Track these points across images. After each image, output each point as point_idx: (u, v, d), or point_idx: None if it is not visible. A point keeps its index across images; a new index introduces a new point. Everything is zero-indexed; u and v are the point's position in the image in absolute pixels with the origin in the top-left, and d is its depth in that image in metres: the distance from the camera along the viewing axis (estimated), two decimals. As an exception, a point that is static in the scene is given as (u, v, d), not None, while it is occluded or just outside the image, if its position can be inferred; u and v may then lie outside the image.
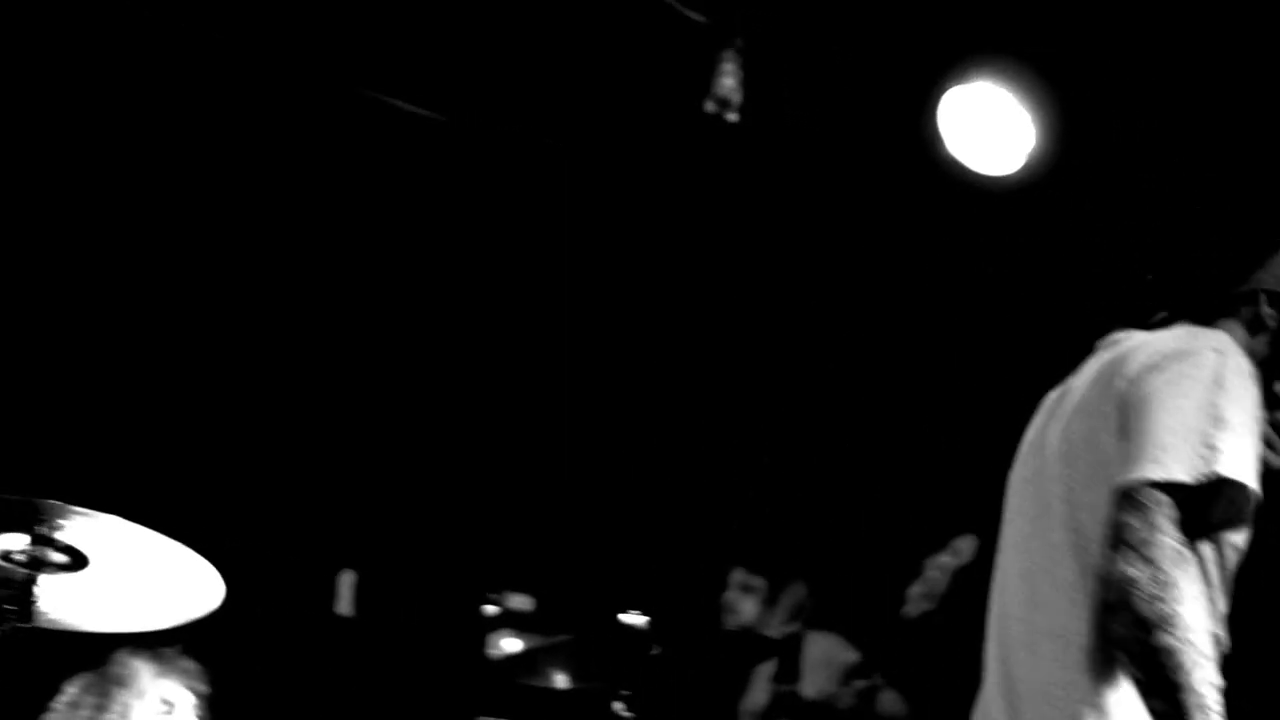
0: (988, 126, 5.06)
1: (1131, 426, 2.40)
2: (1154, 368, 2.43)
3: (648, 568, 5.67)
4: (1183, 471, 2.30)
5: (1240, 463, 2.32)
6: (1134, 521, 2.28)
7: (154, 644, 3.42)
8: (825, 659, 5.00)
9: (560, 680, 4.11)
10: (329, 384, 5.64)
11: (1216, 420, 2.34)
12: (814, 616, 5.22)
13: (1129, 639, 2.24)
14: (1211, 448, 2.31)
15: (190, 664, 3.49)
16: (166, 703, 3.40)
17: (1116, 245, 5.20)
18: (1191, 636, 2.21)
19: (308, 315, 5.49)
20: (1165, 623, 2.21)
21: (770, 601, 5.18)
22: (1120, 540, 2.27)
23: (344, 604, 5.54)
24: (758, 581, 5.19)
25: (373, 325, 5.60)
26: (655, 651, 3.83)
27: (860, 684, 4.69)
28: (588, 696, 4.06)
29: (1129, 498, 2.30)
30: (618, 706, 3.74)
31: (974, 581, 4.65)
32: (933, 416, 5.82)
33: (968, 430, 5.60)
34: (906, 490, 5.81)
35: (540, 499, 5.89)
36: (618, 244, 5.61)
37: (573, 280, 5.66)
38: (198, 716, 3.44)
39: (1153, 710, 2.23)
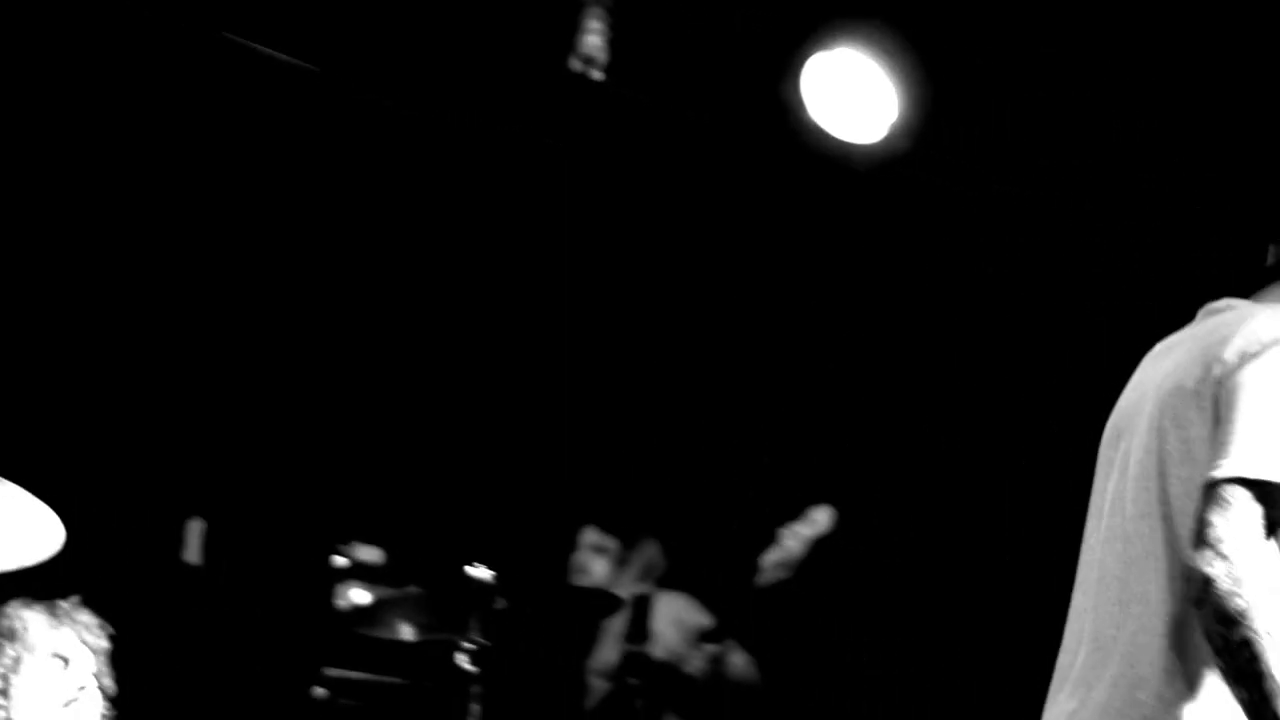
0: (852, 93, 5.10)
1: (1223, 415, 2.41)
2: (1252, 355, 2.43)
3: (498, 523, 5.67)
4: (1270, 471, 2.33)
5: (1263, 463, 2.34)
6: (1215, 519, 2.32)
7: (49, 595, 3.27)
8: (676, 620, 5.03)
9: (406, 632, 4.09)
10: (181, 326, 5.56)
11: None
12: (666, 578, 5.25)
13: (1211, 633, 2.30)
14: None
15: (89, 617, 3.33)
16: (60, 657, 3.23)
17: (990, 220, 5.27)
18: (1269, 628, 2.26)
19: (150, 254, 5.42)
20: (1242, 617, 2.26)
21: (622, 562, 5.20)
22: (1201, 537, 2.32)
23: (191, 552, 5.47)
24: (610, 542, 5.22)
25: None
26: (500, 605, 3.82)
27: (711, 647, 4.73)
28: (433, 649, 4.05)
29: (1213, 493, 2.34)
30: (461, 659, 3.73)
31: (831, 553, 4.72)
32: (793, 385, 5.87)
33: (826, 401, 5.67)
34: (765, 457, 5.86)
35: (391, 450, 5.86)
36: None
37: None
38: (98, 672, 3.29)
39: (1238, 698, 2.30)
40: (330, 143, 5.42)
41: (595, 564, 5.18)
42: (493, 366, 5.99)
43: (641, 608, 5.11)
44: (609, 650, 5.07)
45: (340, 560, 5.25)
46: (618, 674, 5.00)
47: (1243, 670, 2.27)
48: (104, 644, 3.28)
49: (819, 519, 4.70)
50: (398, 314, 5.88)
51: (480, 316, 5.94)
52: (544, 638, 5.17)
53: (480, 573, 3.78)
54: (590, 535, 5.23)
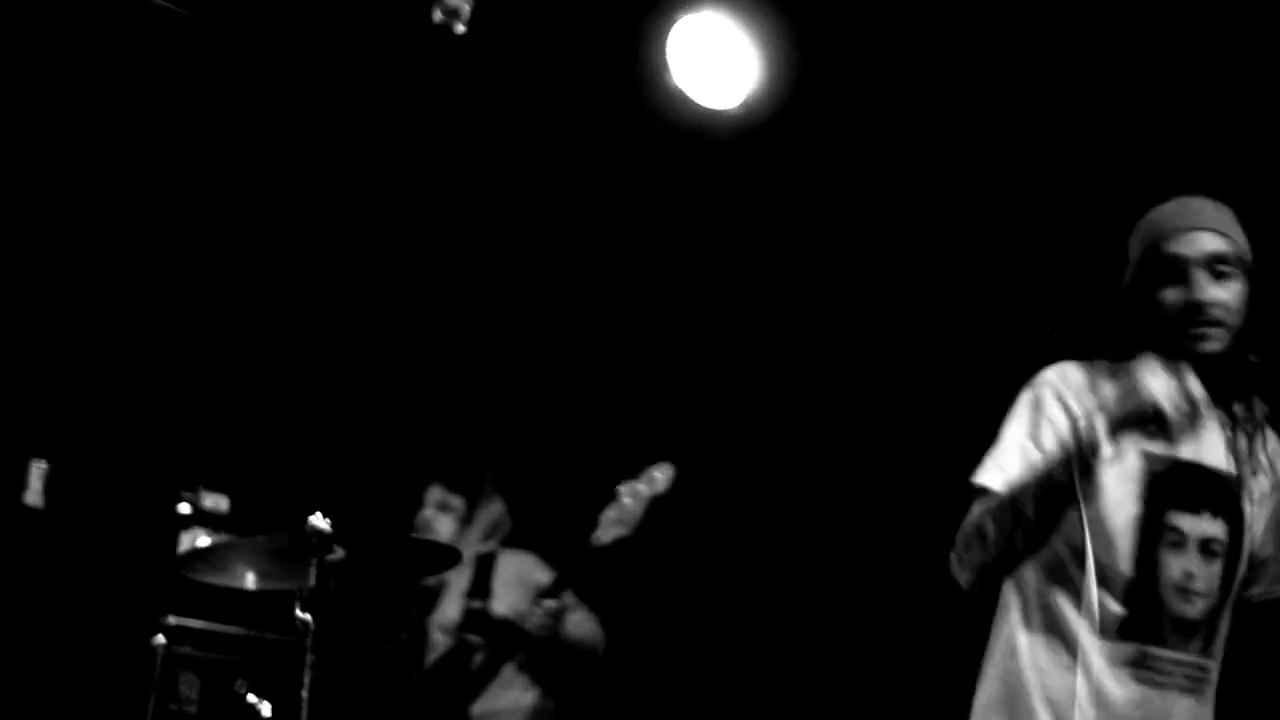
0: (714, 58, 5.13)
1: None
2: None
3: (342, 475, 5.65)
4: (988, 478, 2.86)
5: (987, 472, 2.86)
6: None
7: None
8: (518, 577, 5.05)
9: (248, 580, 4.06)
10: (32, 262, 5.47)
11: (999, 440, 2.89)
12: (510, 536, 5.27)
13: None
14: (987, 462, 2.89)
15: None
16: None
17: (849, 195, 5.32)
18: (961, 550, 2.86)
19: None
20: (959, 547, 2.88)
21: (467, 520, 5.20)
22: None
23: (33, 495, 5.38)
24: (455, 500, 5.21)
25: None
26: (338, 557, 3.81)
27: (550, 604, 4.75)
28: (274, 598, 4.03)
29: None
30: (299, 609, 3.72)
31: (671, 511, 4.76)
32: (628, 342, 5.90)
33: (667, 357, 5.71)
34: (607, 413, 5.89)
35: (240, 397, 5.82)
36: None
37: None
38: None
39: (980, 561, 2.84)
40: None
41: (440, 522, 5.18)
42: (348, 318, 5.97)
43: (485, 565, 5.12)
44: (451, 606, 5.08)
45: (184, 506, 5.21)
46: (458, 629, 5.01)
47: (971, 550, 2.82)
48: None
49: (658, 477, 4.72)
50: (258, 264, 5.84)
51: (334, 263, 5.90)
52: (384, 590, 5.19)
53: (322, 523, 3.76)
54: (436, 493, 5.22)
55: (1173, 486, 2.79)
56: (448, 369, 6.12)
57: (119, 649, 5.21)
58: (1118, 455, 2.71)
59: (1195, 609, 2.77)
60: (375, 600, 5.26)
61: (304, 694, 3.70)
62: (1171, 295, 2.78)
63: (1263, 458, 2.83)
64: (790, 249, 5.65)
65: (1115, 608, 2.77)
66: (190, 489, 5.25)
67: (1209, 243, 2.79)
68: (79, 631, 5.32)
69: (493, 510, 5.31)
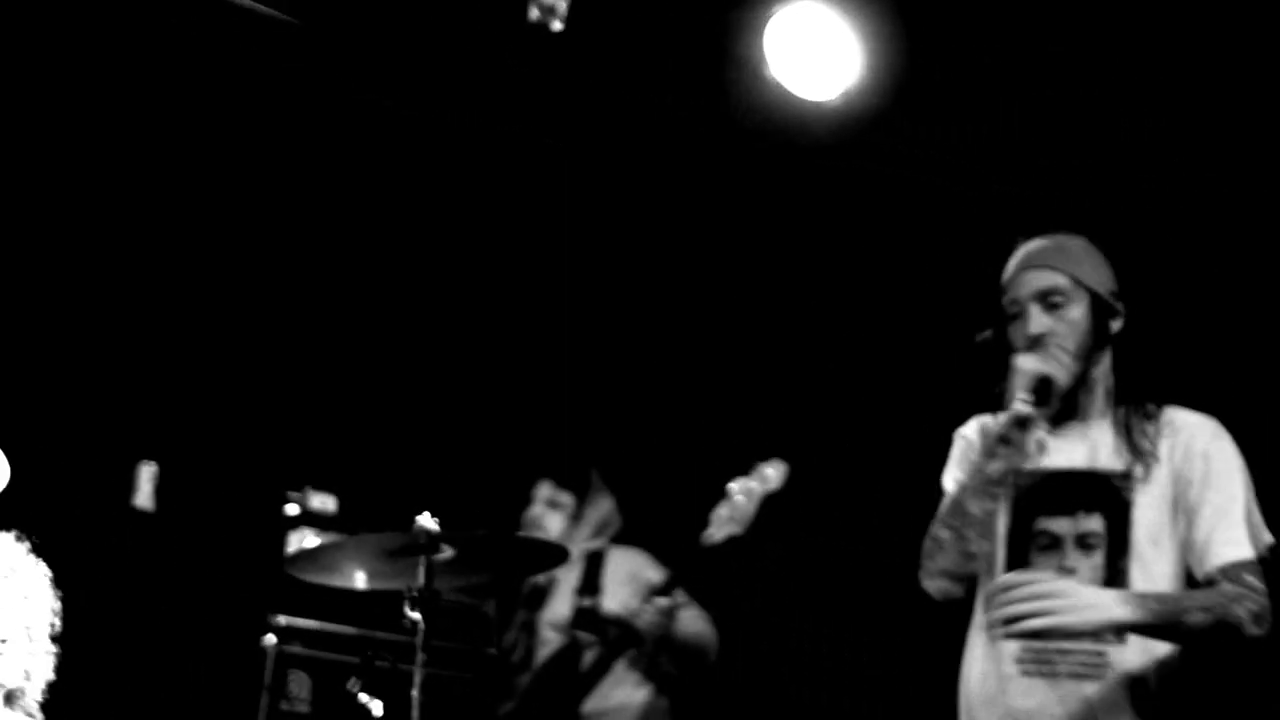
0: (814, 49, 5.08)
1: None
2: None
3: (450, 474, 5.67)
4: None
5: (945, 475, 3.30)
6: None
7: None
8: (628, 575, 5.01)
9: (357, 580, 4.08)
10: (139, 267, 5.53)
11: None
12: (620, 534, 5.25)
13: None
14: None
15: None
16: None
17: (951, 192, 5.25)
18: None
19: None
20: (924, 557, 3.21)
21: (576, 517, 5.18)
22: None
23: (143, 497, 5.44)
24: (564, 497, 5.19)
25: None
26: (447, 556, 3.82)
27: (662, 601, 4.71)
28: (384, 597, 4.04)
29: None
30: (409, 608, 3.74)
31: (785, 509, 4.69)
32: (746, 343, 5.87)
33: (779, 357, 5.67)
34: (720, 409, 5.86)
35: (346, 397, 5.86)
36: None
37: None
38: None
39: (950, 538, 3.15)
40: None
41: (550, 519, 5.16)
42: (452, 318, 5.99)
43: (594, 562, 5.09)
44: (561, 603, 5.07)
45: (292, 507, 5.25)
46: (569, 627, 4.99)
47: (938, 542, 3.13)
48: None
49: (770, 475, 4.65)
50: (362, 270, 5.88)
51: (434, 272, 5.92)
52: (494, 590, 5.20)
53: (430, 522, 3.77)
54: (544, 490, 5.21)
55: (1041, 496, 3.13)
56: (556, 366, 6.11)
57: (230, 650, 5.25)
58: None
59: None
60: (482, 600, 5.27)
61: (415, 693, 3.71)
62: (1018, 333, 3.16)
63: (1152, 446, 3.11)
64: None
65: (1001, 608, 3.02)
66: (298, 490, 5.27)
67: (1037, 280, 3.15)
68: (190, 633, 5.37)
69: (602, 507, 5.29)
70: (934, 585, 3.17)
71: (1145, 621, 2.92)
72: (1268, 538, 3.10)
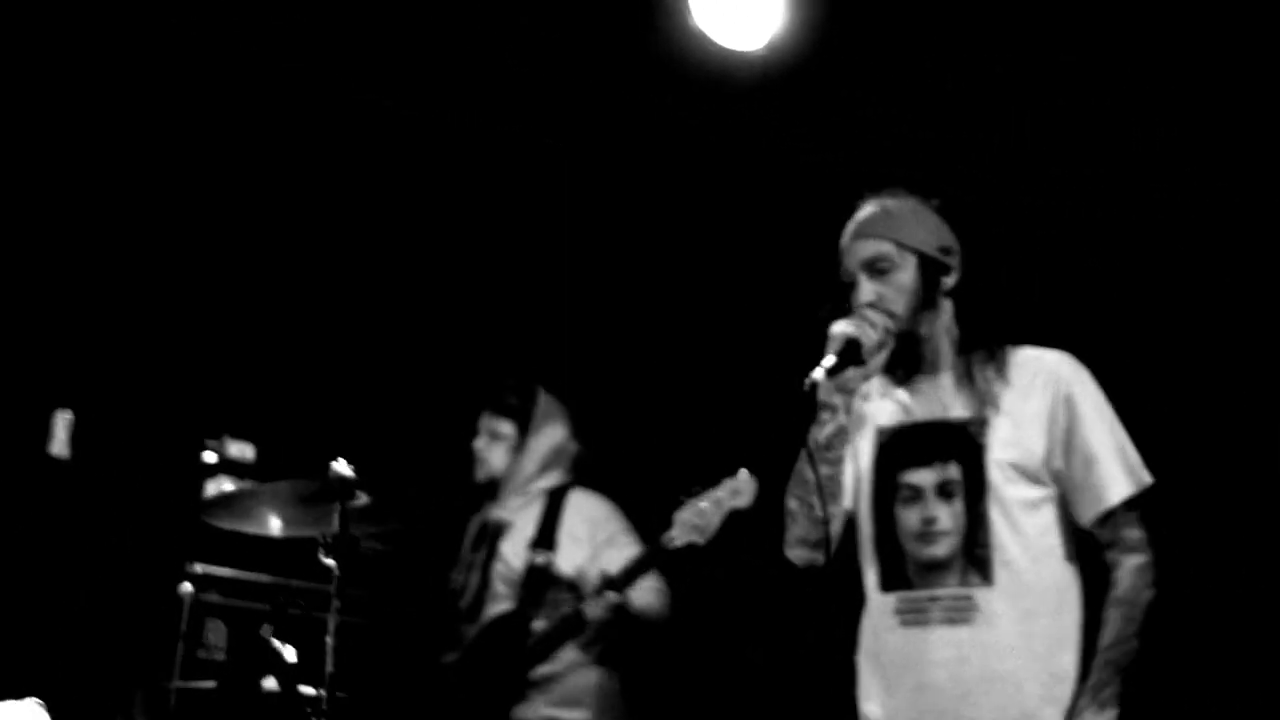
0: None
1: None
2: None
3: (365, 420, 5.64)
4: None
5: None
6: None
7: None
8: (588, 527, 4.75)
9: (274, 527, 4.07)
10: (51, 213, 5.47)
11: None
12: (584, 469, 4.96)
13: None
14: None
15: None
16: None
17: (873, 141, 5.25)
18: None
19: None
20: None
21: (519, 448, 4.88)
22: None
23: (59, 445, 5.39)
24: (506, 427, 4.89)
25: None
26: (361, 503, 3.81)
27: (612, 597, 4.41)
28: (300, 544, 4.04)
29: None
30: (324, 555, 3.73)
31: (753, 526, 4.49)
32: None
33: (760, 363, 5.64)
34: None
35: (265, 345, 5.82)
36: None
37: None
38: None
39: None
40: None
41: (493, 452, 4.85)
42: (369, 263, 5.95)
43: (553, 504, 4.78)
44: (514, 551, 4.76)
45: (209, 455, 5.22)
46: (521, 587, 4.69)
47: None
48: None
49: (741, 489, 4.28)
50: (279, 219, 5.84)
51: (351, 220, 5.88)
52: (409, 537, 5.17)
53: (345, 468, 3.76)
54: (485, 420, 4.90)
55: (900, 450, 3.22)
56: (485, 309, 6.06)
57: (146, 598, 5.23)
58: (862, 433, 3.27)
59: (942, 548, 3.12)
60: (397, 548, 5.22)
61: (329, 639, 3.71)
62: (854, 303, 3.23)
63: (992, 388, 3.19)
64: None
65: (873, 565, 3.23)
66: (215, 438, 5.24)
67: (863, 249, 3.24)
68: (106, 582, 5.34)
69: (551, 434, 4.92)
70: (794, 554, 3.28)
71: (1119, 700, 3.03)
72: (1146, 477, 3.15)
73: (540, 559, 4.66)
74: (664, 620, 4.61)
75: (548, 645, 4.48)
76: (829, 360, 3.09)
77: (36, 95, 5.15)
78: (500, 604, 4.66)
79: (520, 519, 4.77)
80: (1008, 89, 4.87)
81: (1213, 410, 4.59)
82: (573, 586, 4.57)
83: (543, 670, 4.50)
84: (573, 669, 4.53)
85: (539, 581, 4.63)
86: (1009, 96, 4.93)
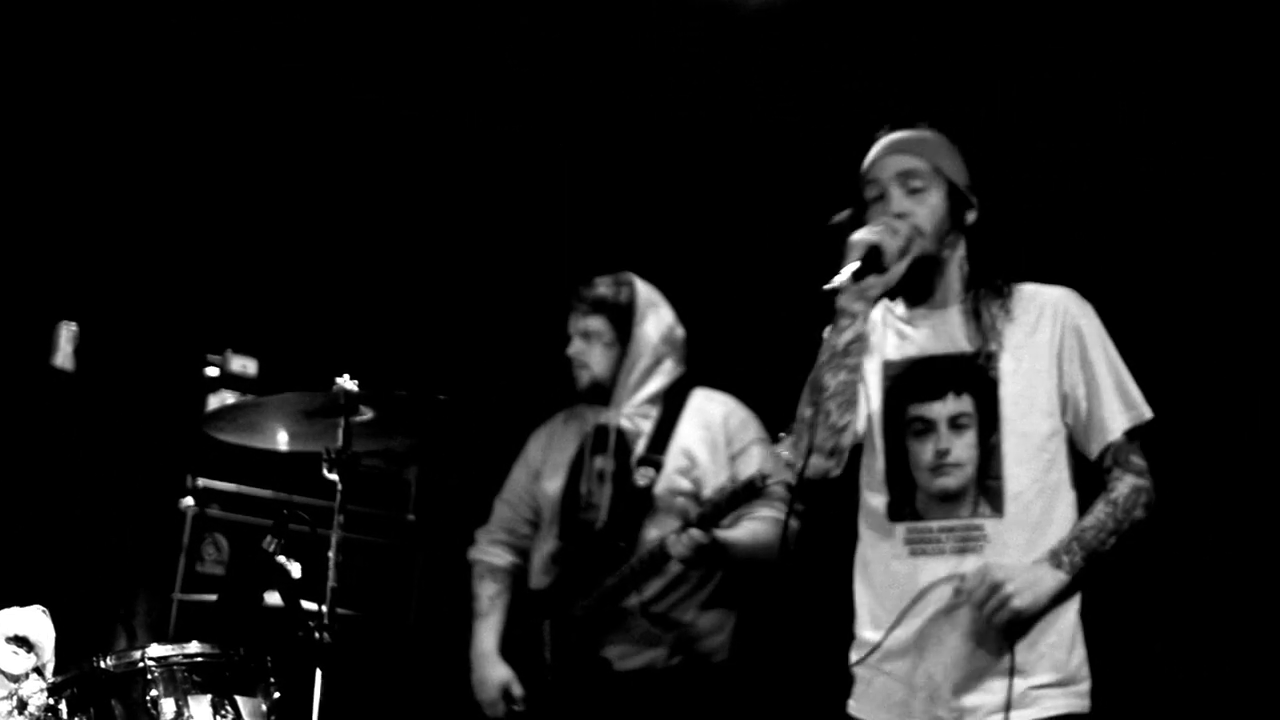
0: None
1: None
2: None
3: (368, 336, 5.62)
4: None
5: None
6: None
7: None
8: (702, 432, 4.44)
9: (279, 440, 4.05)
10: (58, 131, 5.44)
11: None
12: (702, 366, 4.63)
13: None
14: None
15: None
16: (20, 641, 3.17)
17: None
18: None
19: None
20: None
21: (620, 344, 4.45)
22: None
23: (62, 357, 5.39)
24: (597, 323, 4.46)
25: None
26: (365, 418, 3.80)
27: (697, 535, 4.07)
28: (302, 459, 4.02)
29: None
30: (325, 470, 3.72)
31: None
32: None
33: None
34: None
35: (268, 260, 5.81)
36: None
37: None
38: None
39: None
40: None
41: (591, 354, 4.47)
42: (377, 180, 5.93)
43: (671, 407, 4.48)
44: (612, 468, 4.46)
45: (212, 370, 5.22)
46: (610, 511, 4.42)
47: None
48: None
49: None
50: (285, 136, 5.80)
51: (355, 137, 5.84)
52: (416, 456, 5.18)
53: (349, 384, 3.74)
54: (575, 320, 4.51)
55: (910, 383, 3.24)
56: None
57: (148, 511, 5.25)
58: (871, 366, 3.27)
59: (955, 479, 3.16)
60: (402, 467, 5.21)
61: (331, 555, 3.71)
62: (878, 214, 3.22)
63: (997, 323, 3.22)
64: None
65: (882, 495, 3.25)
66: (218, 352, 5.24)
67: (899, 163, 3.24)
68: (108, 495, 5.35)
69: (657, 322, 4.52)
70: (809, 465, 3.21)
71: (1074, 573, 3.07)
72: (1146, 411, 3.19)
73: (642, 479, 4.38)
74: (773, 555, 4.16)
75: (631, 581, 4.25)
76: (852, 265, 3.08)
77: (39, 21, 5.13)
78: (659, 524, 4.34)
79: (644, 421, 4.47)
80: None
81: (1218, 355, 4.58)
82: (697, 498, 4.29)
83: (656, 608, 4.28)
84: (679, 607, 4.33)
85: (636, 504, 4.37)
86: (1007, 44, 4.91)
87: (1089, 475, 3.22)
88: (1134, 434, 3.16)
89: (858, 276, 3.09)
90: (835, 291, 3.10)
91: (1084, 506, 3.18)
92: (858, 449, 3.33)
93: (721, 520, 4.11)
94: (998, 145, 3.46)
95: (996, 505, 3.14)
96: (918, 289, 3.27)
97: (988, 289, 3.26)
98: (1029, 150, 4.64)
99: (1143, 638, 4.43)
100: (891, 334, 3.32)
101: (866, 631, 3.27)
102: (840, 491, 3.42)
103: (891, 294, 3.24)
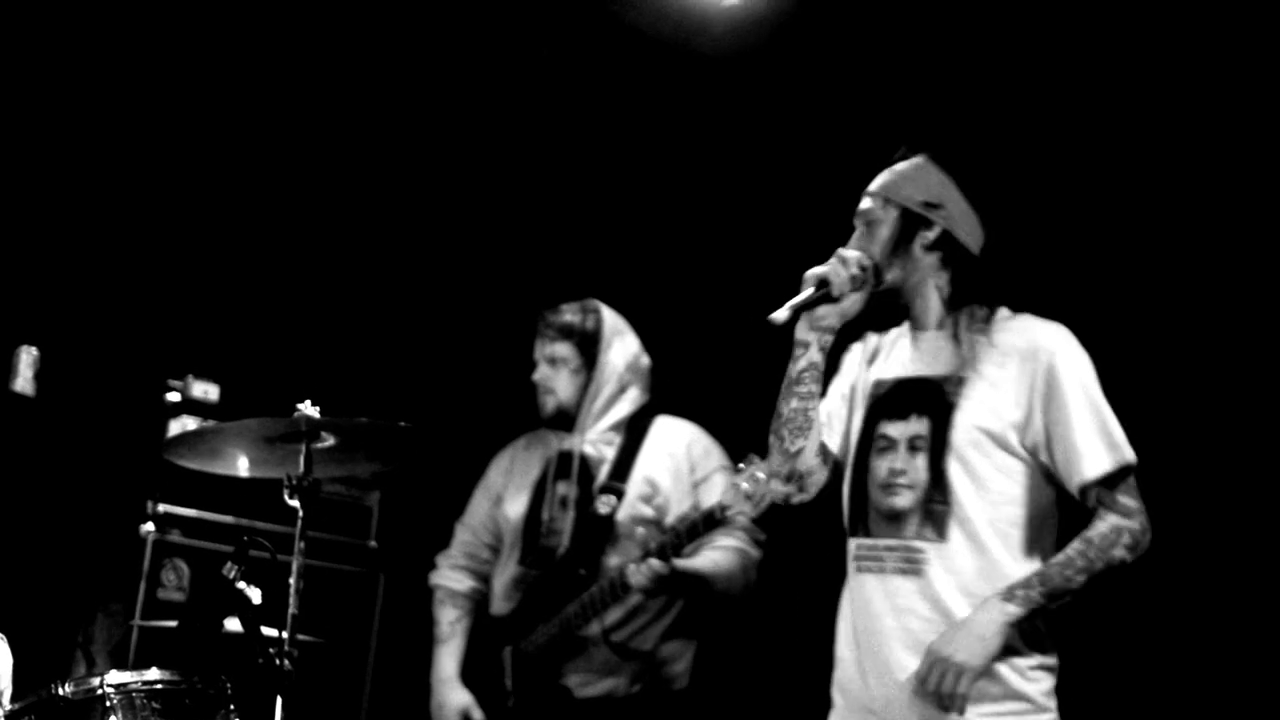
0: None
1: None
2: None
3: (329, 361, 5.61)
4: None
5: None
6: None
7: None
8: (668, 463, 4.44)
9: (240, 466, 4.04)
10: (19, 153, 5.42)
11: None
12: (662, 396, 4.62)
13: None
14: None
15: None
16: None
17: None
18: None
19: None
20: None
21: (585, 371, 4.46)
22: None
23: (23, 382, 5.36)
24: (564, 349, 4.48)
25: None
26: (327, 444, 3.79)
27: (656, 565, 4.07)
28: (264, 487, 4.01)
29: None
30: (287, 496, 3.71)
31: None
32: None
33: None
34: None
35: (230, 285, 5.80)
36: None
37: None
38: None
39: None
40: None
41: (557, 380, 4.48)
42: (340, 204, 5.92)
43: (634, 435, 4.49)
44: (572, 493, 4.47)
45: (174, 395, 5.20)
46: (571, 537, 4.43)
47: None
48: None
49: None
50: (245, 161, 5.79)
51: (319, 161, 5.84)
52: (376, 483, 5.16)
53: (311, 410, 3.73)
54: (541, 345, 4.52)
55: (887, 402, 3.32)
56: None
57: (108, 537, 5.22)
58: (863, 386, 3.39)
59: (904, 499, 3.21)
60: (364, 494, 5.20)
61: (293, 582, 3.69)
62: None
63: (973, 350, 3.26)
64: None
65: (846, 510, 3.34)
66: (180, 378, 5.23)
67: (860, 207, 3.39)
68: (68, 519, 5.32)
69: (623, 349, 4.53)
70: (772, 489, 3.49)
71: (1034, 609, 3.06)
72: (1128, 455, 3.16)
73: (604, 507, 4.39)
74: (738, 584, 4.29)
75: (591, 609, 4.24)
76: (798, 298, 3.21)
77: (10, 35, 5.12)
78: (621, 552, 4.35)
79: (606, 448, 4.47)
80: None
81: (1216, 389, 4.59)
82: (659, 526, 4.30)
83: (617, 636, 4.29)
84: (640, 636, 4.34)
85: (598, 531, 4.37)
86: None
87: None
88: (1119, 476, 3.13)
89: (802, 308, 3.23)
90: (774, 323, 3.19)
91: (1062, 539, 3.18)
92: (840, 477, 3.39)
93: (682, 550, 4.11)
94: (984, 170, 3.46)
95: (940, 529, 3.17)
96: (894, 314, 3.38)
97: (969, 312, 3.30)
98: (1021, 173, 4.65)
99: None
100: (892, 358, 3.39)
101: (840, 647, 3.33)
102: (814, 517, 3.48)
103: (876, 321, 3.38)
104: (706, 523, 4.04)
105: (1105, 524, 3.10)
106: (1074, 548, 3.09)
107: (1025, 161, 4.67)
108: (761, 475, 3.86)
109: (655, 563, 4.07)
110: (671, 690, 4.40)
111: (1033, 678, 3.13)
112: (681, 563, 4.14)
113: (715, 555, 4.27)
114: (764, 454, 3.50)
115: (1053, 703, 3.15)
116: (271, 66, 5.43)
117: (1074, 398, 3.16)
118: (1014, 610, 3.04)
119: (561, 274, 5.26)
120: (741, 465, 3.77)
